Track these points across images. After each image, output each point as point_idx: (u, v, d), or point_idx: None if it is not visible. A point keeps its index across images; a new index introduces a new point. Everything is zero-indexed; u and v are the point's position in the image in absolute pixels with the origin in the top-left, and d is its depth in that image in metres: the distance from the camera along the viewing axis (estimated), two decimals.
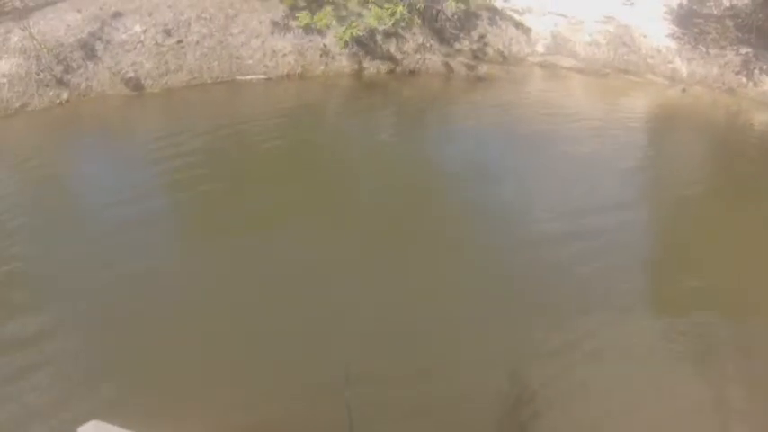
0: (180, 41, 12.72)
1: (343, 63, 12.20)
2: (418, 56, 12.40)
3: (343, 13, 12.00)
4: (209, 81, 12.24)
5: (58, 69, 13.43)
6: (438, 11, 13.18)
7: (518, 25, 14.69)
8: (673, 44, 15.21)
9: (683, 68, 14.45)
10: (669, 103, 13.27)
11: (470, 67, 12.74)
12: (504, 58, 13.76)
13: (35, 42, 13.63)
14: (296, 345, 4.96)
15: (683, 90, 13.79)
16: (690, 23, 15.43)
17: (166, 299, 5.63)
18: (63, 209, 7.94)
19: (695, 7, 15.91)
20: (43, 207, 7.98)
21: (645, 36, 16.09)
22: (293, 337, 5.02)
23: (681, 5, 16.21)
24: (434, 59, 12.52)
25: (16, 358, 4.87)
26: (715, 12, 15.82)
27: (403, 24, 12.11)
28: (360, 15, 12.08)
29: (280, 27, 12.48)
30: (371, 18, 11.86)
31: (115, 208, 7.51)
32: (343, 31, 11.79)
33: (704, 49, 14.62)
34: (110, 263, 6.12)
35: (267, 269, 6.00)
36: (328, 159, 9.06)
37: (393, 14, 11.75)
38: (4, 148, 11.53)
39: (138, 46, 13.01)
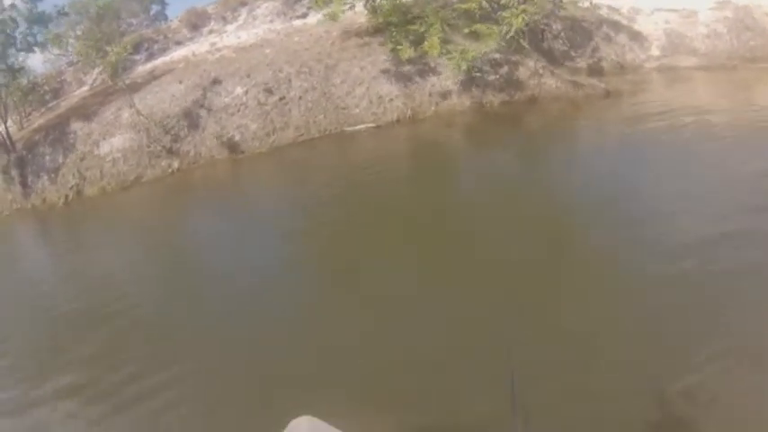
0: (282, 98, 12.55)
1: (454, 101, 11.46)
2: (533, 81, 11.44)
3: (450, 46, 11.32)
4: (316, 135, 11.89)
5: (167, 140, 13.67)
6: (543, 30, 12.28)
7: (628, 31, 13.40)
8: None
9: None
10: None
11: (588, 85, 11.59)
12: (621, 68, 12.52)
13: (142, 117, 14.15)
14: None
15: None
16: None
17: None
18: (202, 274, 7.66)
19: None
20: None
21: None
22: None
23: None
24: (550, 82, 11.50)
25: None
26: None
27: (512, 47, 11.23)
28: (466, 49, 11.31)
29: (383, 71, 12.07)
30: (489, 38, 11.00)
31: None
32: (460, 56, 11.00)
33: None
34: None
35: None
36: (462, 202, 8.25)
37: (510, 28, 10.82)
38: (126, 218, 11.70)
39: (242, 108, 13.00)
